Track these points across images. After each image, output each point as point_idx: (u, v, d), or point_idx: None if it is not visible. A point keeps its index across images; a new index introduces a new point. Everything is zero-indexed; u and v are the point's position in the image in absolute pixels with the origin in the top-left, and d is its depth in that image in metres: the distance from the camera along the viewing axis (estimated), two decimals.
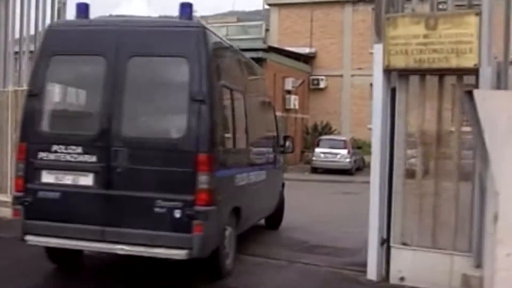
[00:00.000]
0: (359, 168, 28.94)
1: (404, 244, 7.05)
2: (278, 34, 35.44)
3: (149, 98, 6.92)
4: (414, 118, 7.09)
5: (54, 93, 7.41)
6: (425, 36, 6.72)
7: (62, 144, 6.69)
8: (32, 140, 6.80)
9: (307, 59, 34.13)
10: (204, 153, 6.40)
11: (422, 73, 6.95)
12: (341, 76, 34.11)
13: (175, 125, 6.78)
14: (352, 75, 33.76)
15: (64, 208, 6.63)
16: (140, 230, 6.44)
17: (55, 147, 6.71)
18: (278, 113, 29.55)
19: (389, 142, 7.20)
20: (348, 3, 34.04)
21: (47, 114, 7.05)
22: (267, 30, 35.16)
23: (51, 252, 7.29)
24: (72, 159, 6.67)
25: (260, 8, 38.28)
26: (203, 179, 6.37)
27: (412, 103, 7.08)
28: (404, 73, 7.08)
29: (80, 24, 7.23)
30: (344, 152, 27.36)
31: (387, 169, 7.19)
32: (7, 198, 10.78)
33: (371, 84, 26.61)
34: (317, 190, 20.67)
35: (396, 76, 7.16)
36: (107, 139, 6.61)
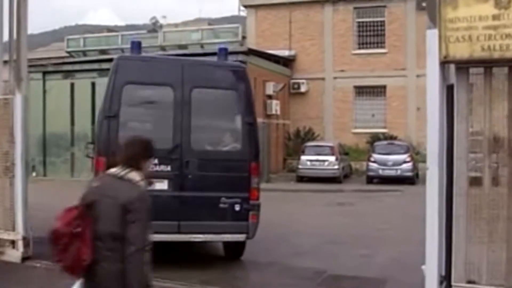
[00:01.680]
0: (347, 175, 27.68)
1: (470, 282, 5.54)
2: (256, 36, 33.93)
3: (209, 120, 9.18)
4: (479, 122, 5.57)
5: (129, 115, 8.79)
6: (495, 17, 5.22)
7: None
8: (112, 154, 7.57)
9: (286, 62, 32.71)
10: (255, 162, 8.92)
11: (489, 64, 5.45)
12: (322, 79, 32.75)
13: (232, 141, 9.20)
14: (334, 78, 32.52)
15: None
16: (209, 221, 8.57)
17: None
18: (259, 119, 28.20)
19: (446, 152, 5.67)
20: (328, 3, 32.66)
21: (124, 132, 8.23)
22: (243, 37, 33.66)
23: None
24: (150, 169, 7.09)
25: (230, 14, 36.75)
26: (255, 181, 8.84)
27: (475, 102, 5.57)
28: (464, 66, 5.57)
29: (145, 59, 9.50)
30: (332, 159, 25.95)
31: (445, 186, 5.65)
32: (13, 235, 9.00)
33: (354, 87, 25.77)
34: (309, 202, 19.25)
35: (453, 69, 5.64)
36: (179, 153, 8.66)
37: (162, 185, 8.41)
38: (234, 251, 9.54)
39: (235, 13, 35.55)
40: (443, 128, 5.66)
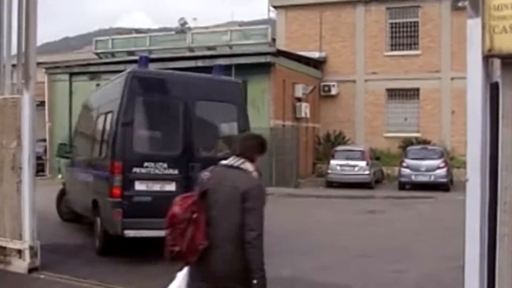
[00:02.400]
0: (378, 180, 26.83)
1: None
2: (286, 38, 33.24)
3: (210, 129, 10.56)
4: None
5: (141, 124, 9.80)
6: None
7: (151, 161, 9.39)
8: (128, 159, 9.28)
9: (317, 64, 31.96)
10: None
11: None
12: (353, 81, 31.95)
13: (231, 147, 9.69)
14: (366, 80, 31.69)
15: (153, 207, 8.83)
16: None
17: (146, 164, 9.35)
18: (288, 122, 27.61)
19: (489, 161, 4.93)
20: (360, 3, 31.84)
21: (137, 139, 9.57)
22: (273, 39, 33.06)
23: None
24: (160, 172, 9.45)
25: (261, 17, 36.11)
26: None
27: None
28: (510, 61, 4.83)
29: (154, 74, 10.50)
30: (362, 163, 25.10)
31: (487, 200, 4.92)
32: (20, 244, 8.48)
33: (386, 89, 24.92)
34: (338, 209, 18.50)
35: (499, 65, 4.90)
36: (186, 158, 9.61)
37: (170, 186, 9.55)
38: None
39: (271, 9, 34.78)
40: (486, 132, 4.93)
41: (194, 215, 4.16)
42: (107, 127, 10.16)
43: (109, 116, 10.11)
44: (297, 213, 17.50)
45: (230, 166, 4.32)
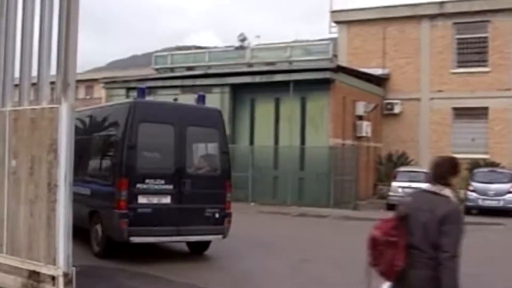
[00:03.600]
0: None
1: None
2: (347, 54, 32.20)
3: (199, 150, 12.53)
4: None
5: (143, 145, 11.18)
6: None
7: (151, 178, 11.00)
8: (132, 176, 10.81)
9: (379, 81, 30.79)
10: (228, 181, 12.06)
11: None
12: (418, 99, 30.60)
13: (214, 165, 12.40)
14: (431, 99, 30.31)
15: (153, 217, 10.90)
16: (199, 226, 11.44)
17: (147, 180, 10.94)
18: (348, 141, 26.51)
19: None
20: (425, 18, 30.53)
21: (140, 159, 11.06)
22: (334, 55, 32.12)
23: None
24: (158, 187, 11.05)
25: (327, 36, 35.08)
26: (228, 195, 11.90)
27: None
28: None
29: (153, 103, 13.67)
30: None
31: None
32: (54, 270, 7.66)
33: (453, 108, 23.47)
34: None
35: None
36: (179, 175, 11.30)
37: (166, 199, 11.17)
38: (200, 248, 12.45)
39: (334, 35, 33.81)
40: None
41: (393, 239, 4.50)
42: (111, 148, 11.77)
43: (113, 138, 11.69)
44: (351, 238, 16.35)
45: (430, 192, 4.58)
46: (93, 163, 12.35)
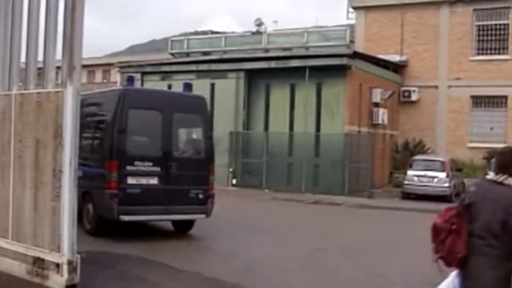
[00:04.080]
0: (459, 193, 24.87)
1: None
2: (365, 40, 31.77)
3: (185, 135, 13.59)
4: None
5: (133, 130, 11.87)
6: None
7: (140, 160, 11.71)
8: (121, 158, 11.52)
9: (397, 68, 30.37)
10: (212, 165, 12.84)
11: None
12: (436, 87, 30.14)
13: (199, 149, 13.19)
14: (449, 86, 29.83)
15: (142, 197, 11.62)
16: (184, 206, 12.19)
17: (136, 163, 11.65)
18: (364, 129, 26.19)
19: None
20: (445, 4, 30.00)
21: (129, 143, 11.86)
22: (351, 41, 31.72)
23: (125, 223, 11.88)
24: (146, 169, 11.75)
25: (345, 22, 34.65)
26: (211, 178, 12.67)
27: None
28: None
29: (141, 91, 15.60)
30: (442, 175, 23.42)
31: None
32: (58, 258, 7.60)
33: (471, 96, 22.98)
34: (413, 224, 16.85)
35: None
36: (166, 158, 12.00)
37: (154, 180, 11.87)
38: (184, 228, 13.20)
39: (351, 21, 33.40)
40: None
41: (454, 226, 4.67)
42: (103, 132, 12.36)
43: (104, 123, 12.30)
44: (365, 227, 16.19)
45: (494, 182, 4.77)
46: (86, 147, 12.52)
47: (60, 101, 7.45)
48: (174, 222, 13.27)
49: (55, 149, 7.49)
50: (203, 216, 12.59)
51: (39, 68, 8.17)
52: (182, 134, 13.36)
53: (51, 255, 7.49)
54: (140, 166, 11.67)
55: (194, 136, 13.75)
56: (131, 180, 11.55)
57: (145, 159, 11.77)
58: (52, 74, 7.82)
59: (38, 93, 7.94)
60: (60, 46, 7.75)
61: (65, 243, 7.31)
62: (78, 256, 7.39)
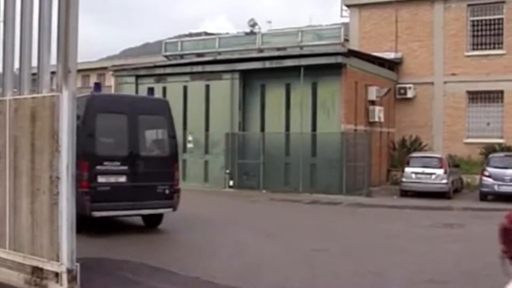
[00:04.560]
0: (457, 190, 24.93)
1: None
2: (359, 38, 31.63)
3: (150, 136, 14.37)
4: None
5: (101, 133, 12.89)
6: None
7: (109, 160, 12.67)
8: (91, 159, 12.22)
9: (392, 65, 30.25)
10: (176, 162, 14.00)
11: None
12: (431, 83, 30.00)
13: (163, 148, 14.19)
14: (445, 82, 29.70)
15: (111, 195, 12.51)
16: (151, 201, 13.15)
17: (105, 162, 12.58)
18: (361, 127, 26.07)
19: None
20: (439, 0, 29.87)
21: (98, 144, 12.78)
22: (346, 39, 31.57)
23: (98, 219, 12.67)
24: (115, 168, 12.70)
25: (341, 21, 34.49)
26: (176, 174, 13.81)
27: None
28: None
29: (108, 96, 15.96)
30: (440, 172, 23.27)
31: None
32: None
33: (467, 92, 22.91)
34: (412, 222, 16.89)
35: None
36: (133, 157, 12.98)
37: (122, 178, 12.76)
38: (153, 222, 14.11)
39: (345, 19, 33.26)
40: None
41: None
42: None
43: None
44: (363, 226, 16.08)
45: None
46: None
47: (55, 105, 7.28)
48: (144, 218, 14.18)
49: (51, 155, 7.33)
50: (170, 210, 13.58)
51: (33, 74, 8.00)
52: (147, 134, 14.19)
53: (50, 264, 7.33)
54: (109, 165, 12.60)
55: (159, 136, 14.60)
56: (101, 179, 12.45)
57: (114, 159, 12.74)
58: (47, 79, 7.67)
59: (33, 98, 7.78)
60: (54, 50, 7.59)
61: (64, 251, 7.16)
62: (78, 264, 7.22)
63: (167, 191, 13.36)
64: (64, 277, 7.12)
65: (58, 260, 7.21)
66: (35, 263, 7.52)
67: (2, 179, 8.15)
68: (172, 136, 13.99)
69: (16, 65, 8.24)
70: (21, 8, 8.12)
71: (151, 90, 15.05)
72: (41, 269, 7.44)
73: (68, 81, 7.18)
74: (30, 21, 8.08)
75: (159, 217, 13.97)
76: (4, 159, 8.14)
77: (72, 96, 7.23)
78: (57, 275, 7.22)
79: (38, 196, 7.54)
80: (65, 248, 7.14)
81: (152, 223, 14.10)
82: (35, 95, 7.80)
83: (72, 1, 7.18)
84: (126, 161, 12.84)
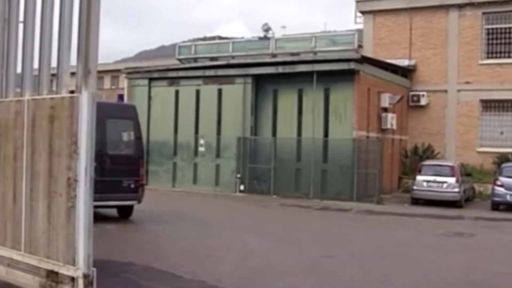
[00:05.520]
0: (469, 199, 24.76)
1: None
2: (373, 45, 31.47)
3: (117, 136, 15.91)
4: None
5: None
6: None
7: None
8: None
9: (405, 72, 30.09)
10: (142, 159, 16.25)
11: None
12: (445, 91, 29.80)
13: (130, 147, 15.99)
14: (458, 90, 29.51)
15: None
16: (117, 194, 14.96)
17: None
18: (373, 134, 25.91)
19: None
20: (454, 8, 29.70)
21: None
22: (360, 45, 31.47)
23: None
24: None
25: (355, 27, 34.36)
26: (141, 170, 15.95)
27: None
28: None
29: None
30: (451, 180, 23.10)
31: None
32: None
33: (481, 100, 22.77)
34: (422, 230, 16.75)
35: None
36: (101, 155, 14.02)
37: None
38: (126, 213, 16.03)
39: (359, 26, 33.09)
40: None
41: None
42: None
43: None
44: (373, 233, 15.97)
45: None
46: None
47: (75, 106, 7.18)
48: (118, 209, 16.11)
49: (69, 157, 7.21)
50: (135, 202, 15.61)
51: (53, 75, 7.90)
52: (115, 135, 15.67)
53: (66, 268, 7.18)
54: None
55: (125, 137, 16.09)
56: None
57: None
58: (66, 79, 7.53)
59: (52, 98, 7.66)
60: (74, 51, 7.48)
61: (81, 255, 7.00)
62: (94, 269, 7.09)
63: (132, 185, 15.28)
64: (80, 282, 6.97)
65: (74, 265, 7.05)
66: (50, 267, 7.38)
67: (19, 181, 8.05)
68: (138, 137, 16.01)
69: (35, 65, 8.14)
70: (41, 8, 8.03)
71: (121, 97, 17.55)
72: (57, 273, 7.30)
73: (88, 82, 7.05)
74: (50, 22, 7.97)
75: (130, 209, 15.98)
76: (21, 160, 8.04)
77: (91, 97, 7.10)
78: (73, 279, 7.07)
79: (55, 199, 7.42)
80: (82, 252, 6.99)
81: (124, 214, 16.07)
82: (54, 95, 7.69)
83: (93, 1, 7.08)
84: (95, 158, 14.01)
